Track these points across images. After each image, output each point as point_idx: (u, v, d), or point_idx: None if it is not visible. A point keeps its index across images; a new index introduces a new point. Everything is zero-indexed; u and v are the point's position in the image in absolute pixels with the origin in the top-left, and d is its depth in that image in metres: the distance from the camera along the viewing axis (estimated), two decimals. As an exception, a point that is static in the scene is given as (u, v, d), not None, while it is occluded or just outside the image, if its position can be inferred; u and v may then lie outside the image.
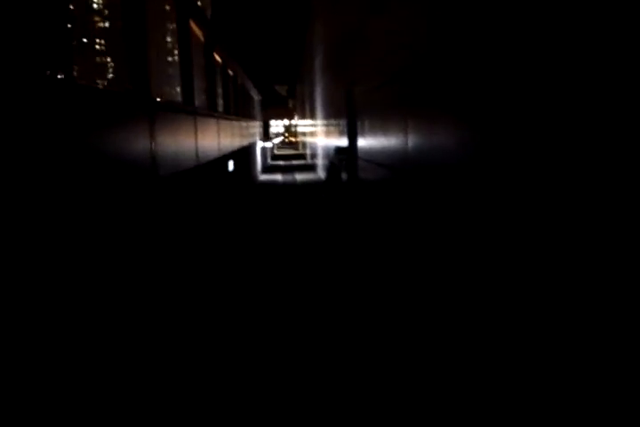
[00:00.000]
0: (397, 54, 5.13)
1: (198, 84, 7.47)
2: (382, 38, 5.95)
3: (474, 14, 2.83)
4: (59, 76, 2.57)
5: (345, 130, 11.20)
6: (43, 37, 2.47)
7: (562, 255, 1.85)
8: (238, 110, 13.64)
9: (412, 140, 4.66)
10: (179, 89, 6.28)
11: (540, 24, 2.06)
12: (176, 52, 6.27)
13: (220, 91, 10.16)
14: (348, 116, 10.71)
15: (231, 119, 11.38)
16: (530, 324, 2.12)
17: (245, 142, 15.09)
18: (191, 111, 6.49)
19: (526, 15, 2.18)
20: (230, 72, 12.33)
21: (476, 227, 2.78)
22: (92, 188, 2.91)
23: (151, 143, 4.35)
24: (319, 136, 20.99)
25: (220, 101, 10.25)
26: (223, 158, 9.14)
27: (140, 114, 4.12)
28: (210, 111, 8.37)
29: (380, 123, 6.64)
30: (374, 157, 7.45)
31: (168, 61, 6.40)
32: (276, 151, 46.19)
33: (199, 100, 7.53)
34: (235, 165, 10.81)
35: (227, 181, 9.58)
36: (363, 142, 8.44)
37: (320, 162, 20.93)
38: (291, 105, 60.06)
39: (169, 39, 6.48)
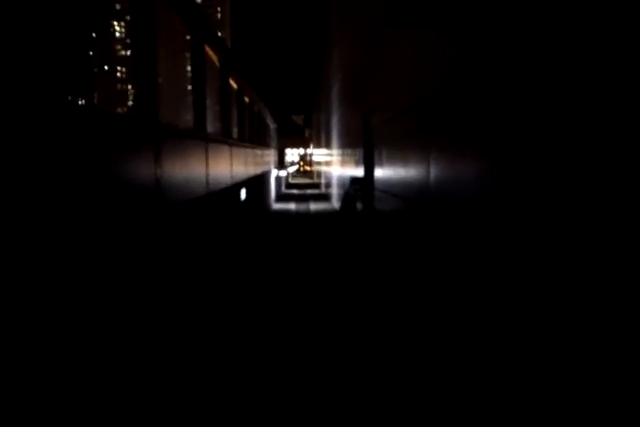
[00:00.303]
0: (418, 82, 4.86)
1: (212, 110, 7.27)
2: (401, 66, 5.71)
3: (504, 41, 2.55)
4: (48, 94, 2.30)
5: (361, 160, 10.94)
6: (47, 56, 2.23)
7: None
8: (253, 138, 13.48)
9: (434, 172, 4.35)
10: (191, 114, 6.06)
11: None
12: (189, 75, 6.07)
13: (234, 117, 9.99)
14: (365, 146, 10.46)
15: (245, 146, 11.19)
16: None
17: (259, 171, 14.90)
18: (203, 137, 6.26)
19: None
20: (246, 98, 12.21)
21: (504, 268, 2.51)
22: (87, 215, 2.61)
23: (156, 170, 4.07)
24: (334, 166, 20.81)
25: (235, 128, 10.07)
26: (235, 187, 8.88)
27: (144, 139, 3.85)
28: (223, 138, 8.15)
29: (399, 153, 6.36)
30: (392, 188, 7.13)
31: (181, 85, 6.20)
32: (290, 180, 46.20)
33: (212, 125, 7.32)
34: (247, 193, 10.56)
35: (239, 209, 9.30)
36: (380, 173, 8.14)
37: (334, 191, 20.69)
38: (307, 134, 60.48)
39: (182, 63, 6.30)
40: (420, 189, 4.97)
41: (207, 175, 6.28)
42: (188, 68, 6.15)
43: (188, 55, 6.31)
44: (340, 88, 17.33)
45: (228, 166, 8.30)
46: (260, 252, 10.47)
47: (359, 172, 11.46)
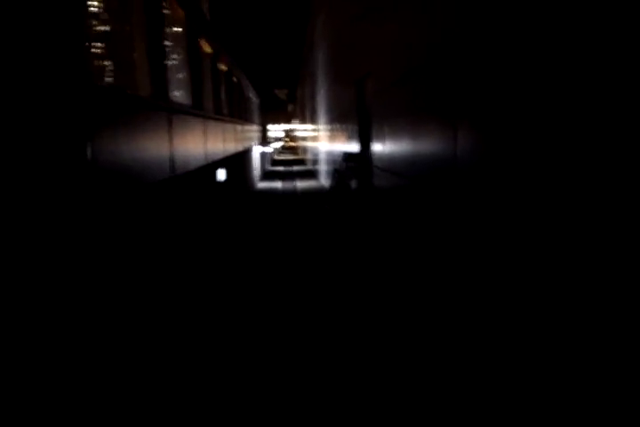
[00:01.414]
0: (437, 29, 3.71)
1: (178, 76, 6.02)
2: (412, 7, 4.50)
3: None
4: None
5: (355, 134, 9.75)
6: None
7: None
8: (233, 111, 12.19)
9: (464, 147, 3.25)
10: (146, 76, 4.84)
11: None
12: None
13: (208, 87, 8.73)
14: (359, 119, 9.26)
15: (223, 121, 9.92)
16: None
17: (241, 147, 13.64)
18: (164, 108, 5.04)
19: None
20: (222, 66, 10.89)
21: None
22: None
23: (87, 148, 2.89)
24: (322, 141, 19.59)
25: (210, 100, 8.81)
26: (211, 167, 7.68)
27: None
28: (194, 110, 6.92)
29: (409, 125, 5.21)
30: (396, 167, 6.00)
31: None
32: (275, 156, 44.86)
33: (180, 96, 6.09)
34: (227, 173, 9.35)
35: (216, 192, 8.11)
36: (380, 149, 6.98)
37: (323, 168, 19.53)
38: (290, 109, 59.01)
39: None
40: (440, 169, 3.90)
41: (171, 155, 5.09)
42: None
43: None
44: (326, 57, 16.00)
45: (201, 143, 7.08)
46: (242, 240, 9.32)
47: (352, 147, 10.28)
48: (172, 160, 5.09)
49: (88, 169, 2.91)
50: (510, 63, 2.56)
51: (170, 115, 5.21)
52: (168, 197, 4.95)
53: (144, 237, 4.04)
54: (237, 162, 12.40)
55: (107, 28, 3.55)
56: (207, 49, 8.66)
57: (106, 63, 3.54)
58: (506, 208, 2.68)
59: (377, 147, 7.24)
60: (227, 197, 9.40)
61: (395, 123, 5.94)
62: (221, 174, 8.33)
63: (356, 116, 9.53)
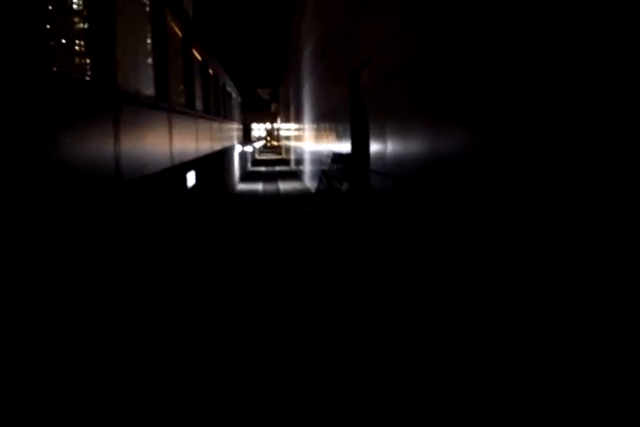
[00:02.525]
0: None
1: (133, 56, 4.82)
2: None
3: None
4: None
5: (346, 133, 8.60)
6: None
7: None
8: (209, 107, 10.97)
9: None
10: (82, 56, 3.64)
11: None
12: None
13: (179, 76, 7.52)
14: (352, 116, 8.12)
15: (195, 117, 8.72)
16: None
17: (219, 146, 12.42)
18: (107, 97, 3.85)
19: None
20: (196, 54, 9.68)
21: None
22: None
23: None
24: (307, 140, 18.45)
25: (179, 90, 7.61)
26: (178, 170, 6.49)
27: None
28: (157, 101, 5.72)
29: (424, 121, 4.09)
30: (400, 172, 4.90)
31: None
32: (257, 156, 43.59)
33: (135, 81, 4.89)
34: (199, 177, 8.14)
35: (185, 198, 6.92)
36: (379, 150, 5.84)
37: (307, 169, 18.39)
38: (273, 108, 58.01)
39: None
40: (461, 174, 2.87)
41: (117, 156, 3.90)
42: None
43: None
44: (313, 51, 14.87)
45: (164, 142, 5.89)
46: (216, 257, 8.13)
47: (342, 147, 9.13)
48: (117, 163, 3.89)
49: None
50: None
51: (117, 107, 4.02)
52: (111, 209, 3.76)
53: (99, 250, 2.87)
54: (214, 162, 11.18)
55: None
56: (177, 31, 7.45)
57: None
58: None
59: (376, 147, 6.10)
60: (200, 204, 8.19)
61: (401, 119, 4.81)
62: (191, 178, 7.13)
63: (347, 112, 8.38)
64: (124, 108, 4.20)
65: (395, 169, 5.13)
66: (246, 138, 36.02)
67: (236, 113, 23.31)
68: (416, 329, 4.45)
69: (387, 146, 5.43)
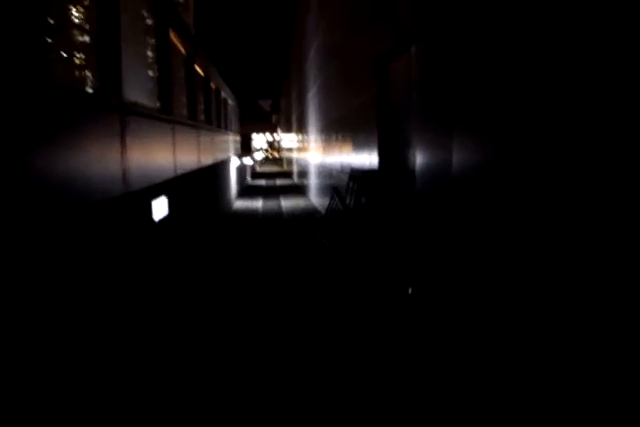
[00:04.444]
0: None
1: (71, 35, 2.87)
2: None
3: None
4: None
5: (369, 143, 6.63)
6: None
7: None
8: (195, 113, 9.00)
9: None
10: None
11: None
12: None
13: (161, 75, 5.57)
14: (380, 120, 6.15)
15: (170, 122, 6.74)
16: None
17: (209, 161, 10.44)
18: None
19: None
20: (182, 50, 7.75)
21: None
22: None
23: None
24: (312, 151, 16.51)
25: (160, 91, 5.65)
26: (139, 197, 4.50)
27: None
28: (109, 100, 3.75)
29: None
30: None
31: None
32: (257, 168, 41.67)
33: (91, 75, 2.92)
34: (175, 202, 6.13)
35: (149, 240, 4.90)
36: (435, 165, 3.86)
37: (312, 182, 16.44)
38: (274, 120, 56.45)
39: None
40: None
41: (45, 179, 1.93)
42: None
43: None
44: (321, 52, 12.95)
45: (115, 156, 3.91)
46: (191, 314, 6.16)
47: (361, 160, 7.15)
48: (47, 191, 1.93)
49: None
50: None
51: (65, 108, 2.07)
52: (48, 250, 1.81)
53: None
54: (202, 180, 9.19)
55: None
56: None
57: None
58: None
59: (429, 162, 4.11)
60: (170, 243, 6.17)
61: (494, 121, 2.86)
62: (161, 207, 5.12)
63: (371, 116, 6.42)
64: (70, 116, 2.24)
65: (472, 193, 3.15)
66: (246, 149, 34.10)
67: (235, 123, 21.37)
68: None
69: (460, 160, 3.44)
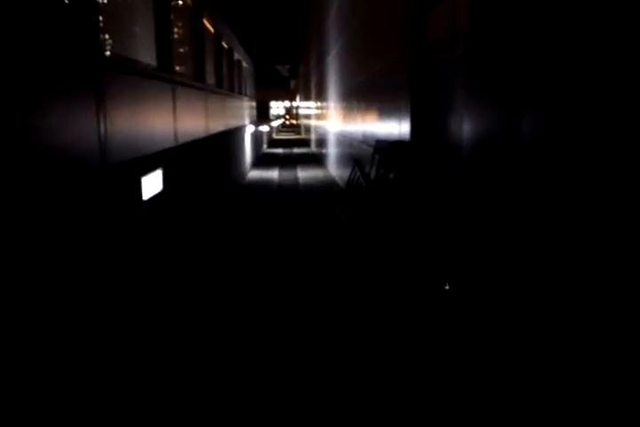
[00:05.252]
0: None
1: None
2: None
3: None
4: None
5: (399, 110, 5.74)
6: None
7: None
8: (203, 74, 8.12)
9: None
10: None
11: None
12: None
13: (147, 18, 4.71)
14: (413, 84, 5.26)
15: (170, 82, 5.89)
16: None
17: (220, 128, 9.61)
18: None
19: None
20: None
21: None
22: None
23: None
24: (331, 119, 15.56)
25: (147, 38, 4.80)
26: (122, 169, 3.71)
27: None
28: (76, 49, 2.94)
29: None
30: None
31: None
32: (274, 135, 40.63)
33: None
34: (169, 176, 5.34)
35: (137, 223, 4.14)
36: (493, 135, 3.01)
37: (331, 152, 15.56)
38: (293, 85, 55.01)
39: None
40: None
41: None
42: None
43: None
44: (344, 3, 11.83)
45: (89, 122, 3.13)
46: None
47: (389, 129, 6.27)
48: None
49: None
50: None
51: None
52: None
53: None
54: (211, 150, 8.39)
55: None
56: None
57: None
58: None
59: (484, 130, 3.25)
60: (169, 226, 5.41)
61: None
62: (156, 183, 4.33)
63: (404, 79, 5.52)
64: None
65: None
66: (263, 116, 33.07)
67: (250, 87, 20.36)
68: None
69: (534, 127, 2.59)
